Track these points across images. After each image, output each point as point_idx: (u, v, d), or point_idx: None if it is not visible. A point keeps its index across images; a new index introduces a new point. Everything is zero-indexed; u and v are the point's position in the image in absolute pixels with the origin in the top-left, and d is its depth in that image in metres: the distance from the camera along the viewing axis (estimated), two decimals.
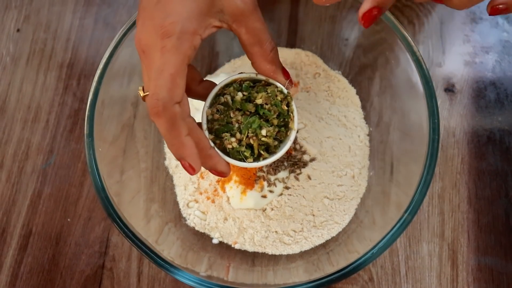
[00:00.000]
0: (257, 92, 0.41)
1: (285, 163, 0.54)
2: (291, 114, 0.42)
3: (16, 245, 0.57)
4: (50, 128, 0.61)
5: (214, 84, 0.42)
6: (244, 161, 0.41)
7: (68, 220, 0.58)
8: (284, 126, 0.42)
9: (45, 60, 0.65)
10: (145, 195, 0.53)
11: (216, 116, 0.41)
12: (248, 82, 0.42)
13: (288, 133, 0.42)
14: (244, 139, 0.40)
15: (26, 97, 0.63)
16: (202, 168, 0.55)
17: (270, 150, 0.42)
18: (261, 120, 0.41)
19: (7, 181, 0.60)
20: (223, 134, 0.40)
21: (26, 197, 0.59)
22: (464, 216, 0.55)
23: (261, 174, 0.53)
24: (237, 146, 0.40)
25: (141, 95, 0.39)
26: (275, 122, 0.41)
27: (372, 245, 0.43)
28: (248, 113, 0.41)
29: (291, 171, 0.54)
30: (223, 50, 0.61)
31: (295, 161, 0.54)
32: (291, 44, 0.60)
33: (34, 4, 0.67)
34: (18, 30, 0.66)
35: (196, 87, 0.41)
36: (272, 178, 0.53)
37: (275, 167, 0.53)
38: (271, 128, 0.41)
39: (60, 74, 0.64)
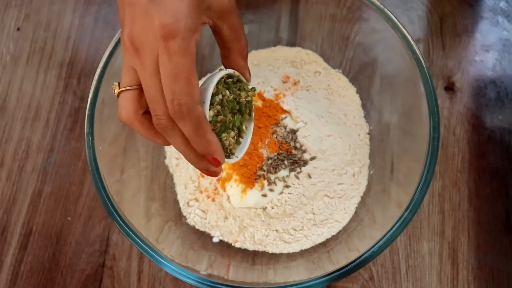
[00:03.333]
0: (239, 90, 0.41)
1: (286, 162, 0.54)
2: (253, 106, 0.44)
3: (16, 244, 0.57)
4: (51, 127, 0.61)
5: None
6: (230, 158, 0.41)
7: (69, 218, 0.58)
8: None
9: (45, 59, 0.65)
10: (145, 194, 0.53)
11: (220, 117, 0.40)
12: (230, 79, 0.41)
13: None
14: (236, 137, 0.41)
15: (26, 96, 0.63)
16: None
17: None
18: (240, 116, 0.42)
19: (7, 180, 0.60)
20: (223, 135, 0.39)
21: (27, 196, 0.59)
22: (464, 214, 0.55)
23: (261, 173, 0.53)
24: (234, 145, 0.40)
25: (116, 92, 0.38)
26: (247, 116, 0.43)
27: (373, 243, 0.43)
28: (234, 111, 0.41)
29: (292, 170, 0.54)
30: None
31: (295, 160, 0.54)
32: (291, 43, 0.60)
33: (34, 3, 0.67)
34: (18, 29, 0.66)
35: None
36: (273, 177, 0.53)
37: (275, 166, 0.53)
38: (246, 123, 0.42)
39: (60, 73, 0.64)
